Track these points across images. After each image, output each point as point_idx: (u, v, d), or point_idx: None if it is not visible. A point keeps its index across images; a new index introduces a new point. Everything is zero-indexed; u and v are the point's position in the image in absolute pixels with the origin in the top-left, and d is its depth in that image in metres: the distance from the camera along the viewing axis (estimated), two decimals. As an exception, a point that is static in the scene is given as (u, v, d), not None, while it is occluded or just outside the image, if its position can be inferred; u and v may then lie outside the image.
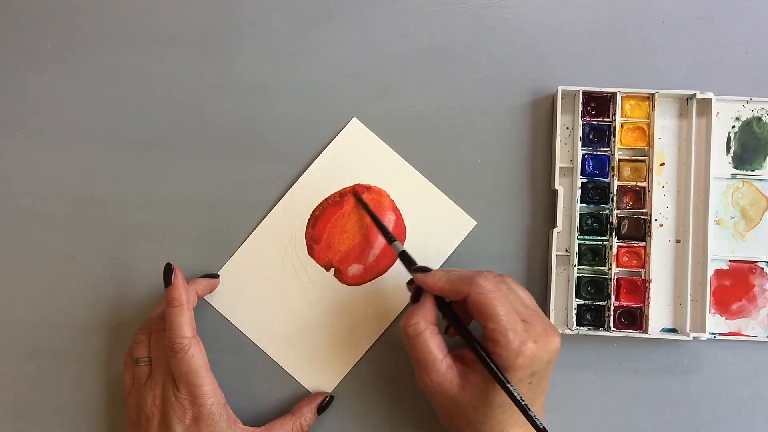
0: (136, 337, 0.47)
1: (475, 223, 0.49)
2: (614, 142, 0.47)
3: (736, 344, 0.48)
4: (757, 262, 0.48)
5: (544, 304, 0.48)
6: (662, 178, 0.48)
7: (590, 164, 0.48)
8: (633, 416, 0.48)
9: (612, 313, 0.47)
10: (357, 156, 0.49)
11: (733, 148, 0.48)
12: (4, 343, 0.49)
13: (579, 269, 0.48)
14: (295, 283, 0.49)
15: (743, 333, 0.48)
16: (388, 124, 0.49)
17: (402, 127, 0.49)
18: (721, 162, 0.48)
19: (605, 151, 0.48)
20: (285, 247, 0.49)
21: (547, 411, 0.45)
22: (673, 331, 0.48)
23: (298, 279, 0.49)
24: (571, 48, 0.49)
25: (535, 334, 0.39)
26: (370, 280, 0.49)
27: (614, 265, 0.47)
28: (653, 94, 0.47)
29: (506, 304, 0.39)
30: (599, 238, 0.48)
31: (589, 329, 0.47)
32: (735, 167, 0.48)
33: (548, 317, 0.47)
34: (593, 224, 0.48)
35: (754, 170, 0.48)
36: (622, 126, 0.48)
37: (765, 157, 0.48)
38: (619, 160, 0.48)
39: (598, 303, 0.47)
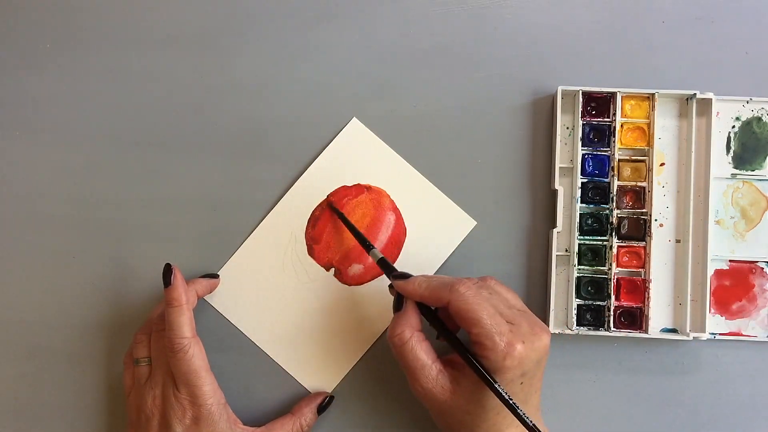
0: (136, 337, 0.47)
1: (475, 223, 0.49)
2: (614, 142, 0.47)
3: (736, 344, 0.48)
4: (757, 262, 0.48)
5: (544, 304, 0.48)
6: (662, 178, 0.48)
7: (590, 164, 0.48)
8: (633, 416, 0.48)
9: (612, 313, 0.47)
10: (357, 156, 0.49)
11: (733, 148, 0.48)
12: (4, 343, 0.49)
13: (579, 269, 0.47)
14: (295, 283, 0.49)
15: (743, 333, 0.48)
16: (388, 124, 0.49)
17: (402, 127, 0.49)
18: (721, 162, 0.48)
19: (605, 151, 0.48)
20: (285, 247, 0.49)
21: (546, 411, 0.45)
22: (673, 331, 0.48)
23: (298, 279, 0.49)
24: (571, 48, 0.49)
25: (521, 334, 0.39)
26: (370, 280, 0.49)
27: (614, 265, 0.47)
28: (653, 94, 0.47)
29: (488, 307, 0.39)
30: (599, 238, 0.48)
31: (589, 329, 0.47)
32: (735, 167, 0.48)
33: (548, 317, 0.47)
34: (593, 224, 0.48)
35: (754, 170, 0.48)
36: (622, 126, 0.48)
37: (765, 157, 0.48)
38: (619, 160, 0.48)
39: (598, 303, 0.47)
